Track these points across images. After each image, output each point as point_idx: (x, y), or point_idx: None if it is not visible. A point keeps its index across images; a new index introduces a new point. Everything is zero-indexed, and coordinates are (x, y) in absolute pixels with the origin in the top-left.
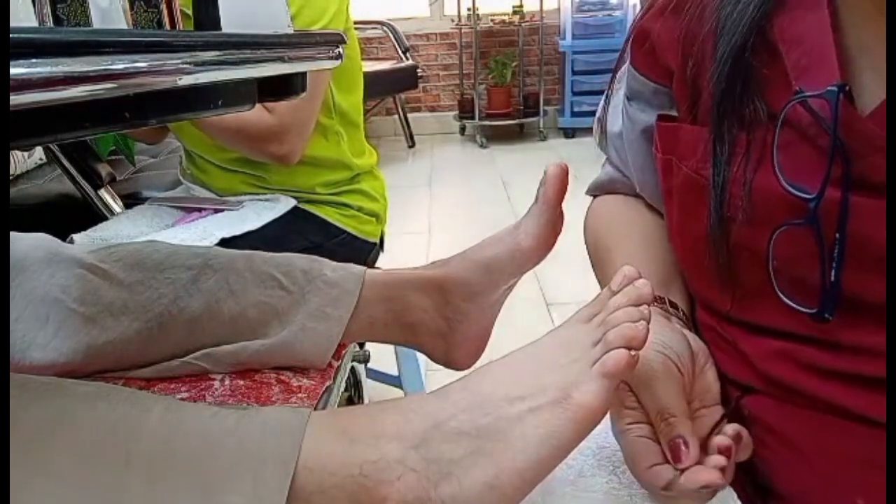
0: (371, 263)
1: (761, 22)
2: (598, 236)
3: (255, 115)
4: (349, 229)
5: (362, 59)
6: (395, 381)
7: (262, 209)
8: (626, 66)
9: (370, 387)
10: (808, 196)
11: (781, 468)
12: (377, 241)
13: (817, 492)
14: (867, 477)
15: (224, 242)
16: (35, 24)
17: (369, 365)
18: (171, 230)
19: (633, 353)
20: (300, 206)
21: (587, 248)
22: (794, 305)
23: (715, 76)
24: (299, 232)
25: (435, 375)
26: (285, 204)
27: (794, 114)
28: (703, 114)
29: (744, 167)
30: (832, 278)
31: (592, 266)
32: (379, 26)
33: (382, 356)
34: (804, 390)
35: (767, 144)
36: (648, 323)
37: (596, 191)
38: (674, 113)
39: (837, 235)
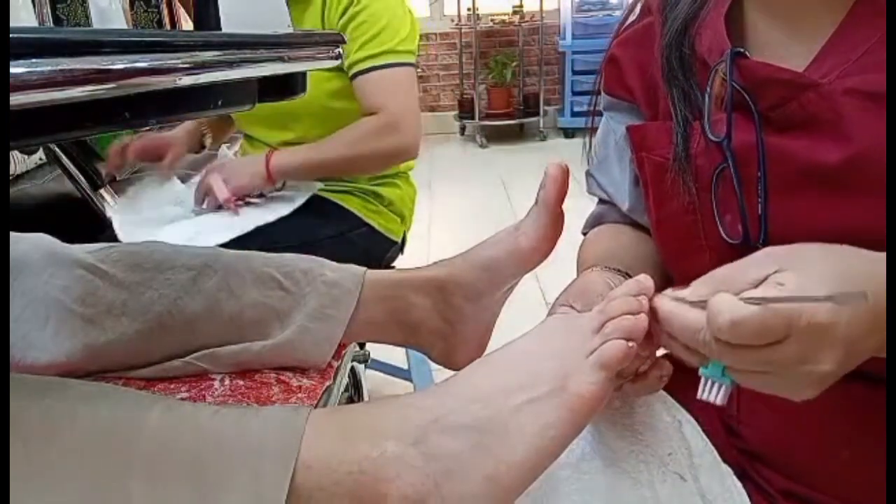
0: (390, 261)
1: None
2: (585, 262)
3: (364, 123)
4: (372, 222)
5: None
6: (405, 375)
7: (281, 203)
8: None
9: (380, 379)
10: (719, 139)
11: (766, 429)
12: (399, 240)
13: (800, 448)
14: (851, 430)
15: (257, 230)
16: (35, 24)
17: (379, 358)
18: (204, 217)
19: (630, 344)
20: (324, 195)
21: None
22: (730, 240)
23: (662, 73)
24: (325, 219)
25: (444, 368)
26: (306, 191)
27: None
28: (663, 112)
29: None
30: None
31: None
32: None
33: (392, 350)
34: None
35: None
36: (647, 314)
37: (587, 228)
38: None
39: (759, 174)
